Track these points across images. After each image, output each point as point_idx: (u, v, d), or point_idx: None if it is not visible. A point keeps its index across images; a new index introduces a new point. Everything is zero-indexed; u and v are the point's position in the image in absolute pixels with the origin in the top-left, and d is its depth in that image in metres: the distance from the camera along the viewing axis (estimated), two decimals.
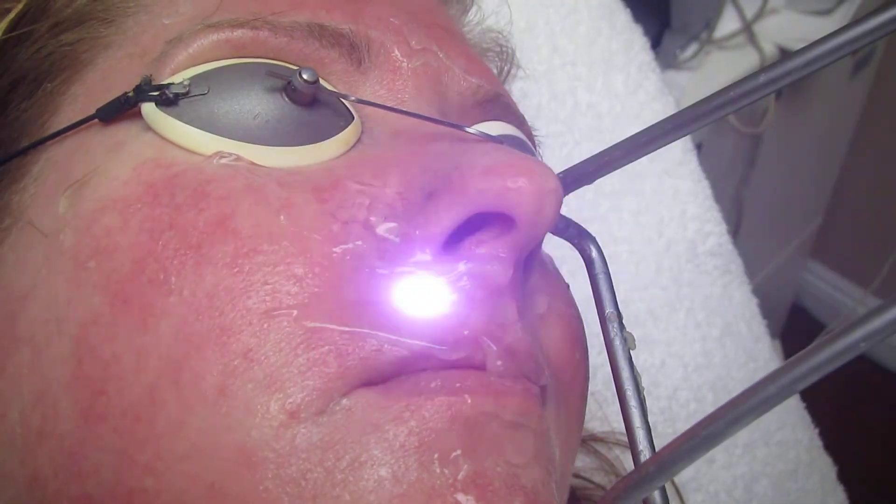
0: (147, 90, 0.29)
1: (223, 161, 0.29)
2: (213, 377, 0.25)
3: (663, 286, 0.63)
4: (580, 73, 0.65)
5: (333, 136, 0.31)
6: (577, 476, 0.51)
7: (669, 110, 0.67)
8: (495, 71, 0.49)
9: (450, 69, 0.35)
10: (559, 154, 0.64)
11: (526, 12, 0.64)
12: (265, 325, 0.26)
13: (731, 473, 0.61)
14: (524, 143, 0.38)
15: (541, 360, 0.29)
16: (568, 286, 0.36)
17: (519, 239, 0.28)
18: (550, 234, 0.36)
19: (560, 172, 0.33)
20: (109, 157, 0.30)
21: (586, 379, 0.35)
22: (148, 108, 0.29)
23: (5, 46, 0.34)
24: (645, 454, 0.30)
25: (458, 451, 0.25)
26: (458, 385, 0.26)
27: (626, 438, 0.57)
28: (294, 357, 0.26)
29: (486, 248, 0.28)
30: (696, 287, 0.64)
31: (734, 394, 0.66)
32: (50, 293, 0.28)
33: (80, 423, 0.27)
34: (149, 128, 0.30)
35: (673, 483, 0.54)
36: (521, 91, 0.63)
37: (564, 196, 0.34)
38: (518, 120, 0.39)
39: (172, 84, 0.30)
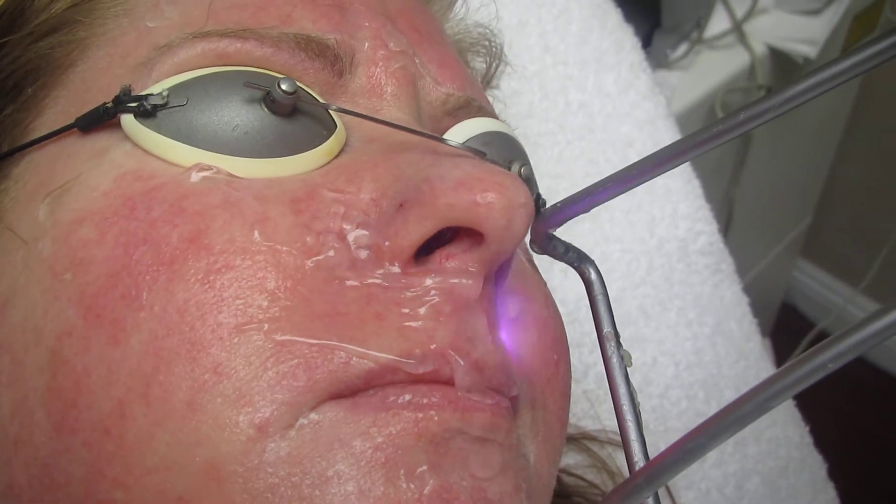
0: (125, 101, 0.29)
1: (202, 174, 0.29)
2: (182, 392, 0.26)
3: (655, 285, 0.64)
4: (571, 72, 0.65)
5: (316, 146, 0.30)
6: (569, 473, 0.51)
7: (661, 110, 0.67)
8: (483, 67, 0.49)
9: (422, 76, 0.35)
10: (551, 153, 0.64)
11: (517, 11, 0.64)
12: (235, 340, 0.26)
13: (723, 471, 0.61)
14: (505, 137, 0.38)
15: (511, 371, 0.29)
16: (545, 284, 0.36)
17: (488, 253, 0.28)
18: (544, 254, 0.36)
19: (556, 202, 0.33)
20: (91, 165, 0.29)
21: (566, 377, 0.35)
22: (127, 120, 0.29)
23: None
24: (640, 466, 0.30)
25: (424, 467, 0.26)
26: (424, 401, 0.27)
27: (618, 437, 0.57)
28: (263, 371, 0.26)
29: (456, 262, 0.28)
30: (687, 286, 0.65)
31: (725, 392, 0.66)
32: (28, 302, 0.28)
33: (53, 435, 0.27)
34: (128, 137, 0.30)
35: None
36: (512, 90, 0.63)
37: (559, 226, 0.34)
38: (493, 111, 0.39)
39: (151, 95, 0.29)
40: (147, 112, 0.29)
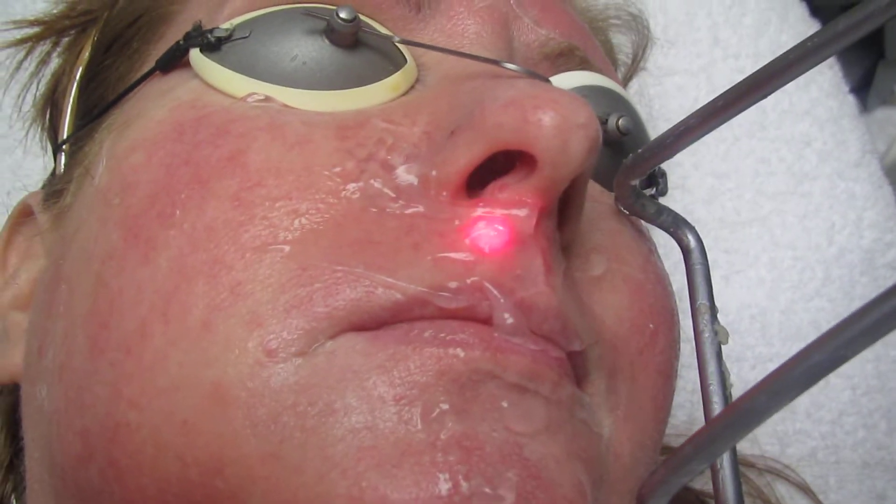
0: (195, 36, 0.30)
1: (252, 102, 0.28)
2: (198, 310, 0.25)
3: (831, 298, 0.57)
4: (744, 66, 0.60)
5: (380, 80, 0.29)
6: None
7: (848, 109, 0.61)
8: (630, 47, 0.47)
9: (518, 17, 0.33)
10: (716, 151, 0.59)
11: (686, 4, 0.61)
12: (256, 260, 0.25)
13: None
14: (608, 92, 0.35)
15: (572, 323, 0.26)
16: (650, 251, 0.33)
17: (542, 180, 0.25)
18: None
19: (638, 150, 0.30)
20: (154, 102, 0.30)
21: (667, 352, 0.31)
22: (193, 54, 0.30)
23: (108, 16, 0.37)
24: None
25: (445, 406, 0.23)
26: (451, 337, 0.24)
27: (777, 464, 0.52)
28: (280, 294, 0.24)
29: (509, 193, 0.25)
30: None
31: None
32: (86, 232, 0.29)
33: (88, 357, 0.27)
34: (196, 74, 0.30)
35: None
36: (676, 85, 0.60)
37: (648, 170, 0.31)
38: (608, 69, 0.36)
39: (217, 29, 0.30)
40: (211, 45, 0.30)
